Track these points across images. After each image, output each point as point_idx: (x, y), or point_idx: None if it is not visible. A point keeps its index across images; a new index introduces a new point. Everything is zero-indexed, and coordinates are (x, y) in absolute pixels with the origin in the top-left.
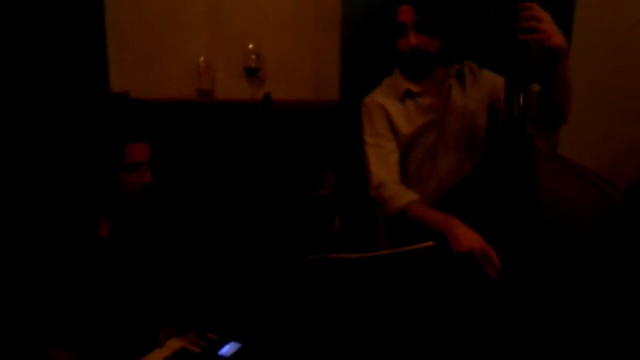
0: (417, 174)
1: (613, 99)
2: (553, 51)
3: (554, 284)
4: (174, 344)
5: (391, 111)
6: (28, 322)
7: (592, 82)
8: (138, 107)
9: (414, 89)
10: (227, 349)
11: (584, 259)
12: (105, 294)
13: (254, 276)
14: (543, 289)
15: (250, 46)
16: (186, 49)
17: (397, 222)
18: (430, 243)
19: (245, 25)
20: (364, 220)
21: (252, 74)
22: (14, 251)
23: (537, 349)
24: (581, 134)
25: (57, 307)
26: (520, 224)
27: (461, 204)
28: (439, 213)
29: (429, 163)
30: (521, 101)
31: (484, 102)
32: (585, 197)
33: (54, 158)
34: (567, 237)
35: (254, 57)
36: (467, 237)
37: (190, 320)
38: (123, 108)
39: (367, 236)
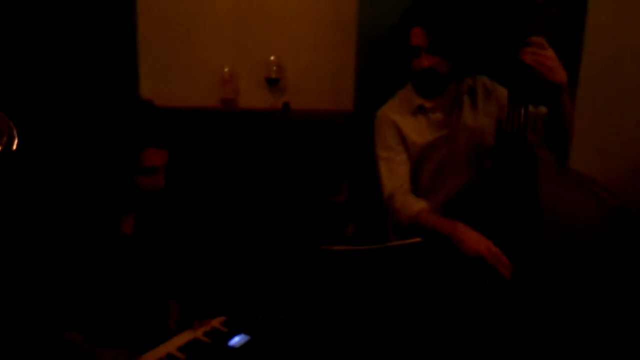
0: (429, 187)
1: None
2: (554, 85)
3: (553, 289)
4: (186, 335)
5: (402, 125)
6: (48, 308)
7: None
8: (159, 114)
9: (427, 104)
10: (237, 341)
11: (582, 262)
12: (124, 286)
13: (267, 276)
14: (541, 294)
15: (272, 58)
16: (212, 61)
17: (409, 230)
18: (418, 239)
19: (267, 39)
20: (376, 226)
21: (273, 84)
22: (37, 244)
23: (532, 353)
24: (596, 151)
25: (75, 295)
26: (521, 228)
27: (465, 207)
28: (443, 219)
29: (439, 177)
30: (522, 117)
31: (495, 118)
32: (582, 203)
33: (77, 157)
34: (567, 242)
35: (275, 68)
36: (473, 241)
37: (203, 311)
38: (143, 114)
39: (378, 242)
